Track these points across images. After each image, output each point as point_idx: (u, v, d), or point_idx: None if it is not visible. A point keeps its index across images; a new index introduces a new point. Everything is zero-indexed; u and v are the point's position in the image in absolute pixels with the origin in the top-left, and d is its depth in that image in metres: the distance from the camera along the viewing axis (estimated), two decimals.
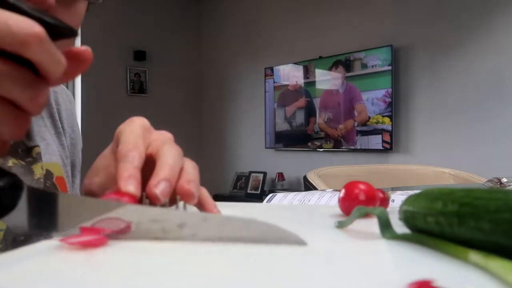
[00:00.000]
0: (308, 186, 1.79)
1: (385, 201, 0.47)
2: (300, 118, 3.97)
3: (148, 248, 0.30)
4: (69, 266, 0.26)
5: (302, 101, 3.94)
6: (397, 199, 0.61)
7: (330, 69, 3.69)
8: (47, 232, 0.32)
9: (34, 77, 0.28)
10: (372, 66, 3.38)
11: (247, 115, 4.49)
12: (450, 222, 0.28)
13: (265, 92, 4.23)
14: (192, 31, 4.92)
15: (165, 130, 0.43)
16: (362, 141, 3.46)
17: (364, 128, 3.45)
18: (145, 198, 0.34)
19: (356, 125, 3.51)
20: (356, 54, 3.48)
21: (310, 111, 3.88)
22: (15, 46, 0.25)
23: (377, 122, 3.35)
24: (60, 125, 0.60)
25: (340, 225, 0.37)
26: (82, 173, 0.56)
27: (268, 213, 0.51)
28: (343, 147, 3.61)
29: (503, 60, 2.77)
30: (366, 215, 0.38)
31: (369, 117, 3.40)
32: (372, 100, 3.38)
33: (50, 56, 0.27)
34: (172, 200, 0.36)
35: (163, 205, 0.34)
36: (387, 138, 3.28)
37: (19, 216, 0.31)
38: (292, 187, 4.00)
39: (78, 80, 4.19)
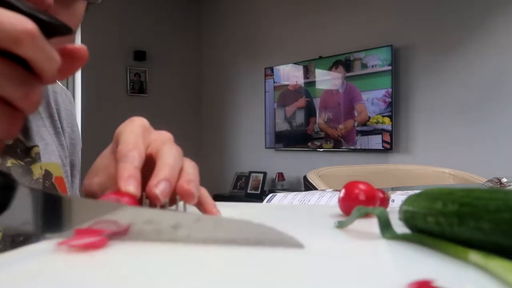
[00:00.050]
0: (308, 186, 1.79)
1: (385, 201, 0.47)
2: (300, 118, 3.97)
3: (146, 249, 0.29)
4: (69, 266, 0.26)
5: (302, 101, 3.94)
6: (397, 199, 0.61)
7: (330, 69, 3.69)
8: (42, 233, 0.32)
9: (28, 74, 0.27)
10: (372, 66, 3.38)
11: (247, 115, 4.49)
12: (450, 222, 0.28)
13: (265, 92, 4.23)
14: (192, 31, 4.92)
15: (165, 130, 0.43)
16: (362, 141, 3.46)
17: (364, 128, 3.45)
18: (145, 198, 0.34)
19: (356, 125, 3.51)
20: (356, 54, 3.48)
21: (310, 111, 3.88)
22: (7, 43, 0.25)
23: (377, 122, 3.35)
24: (59, 125, 0.60)
25: (340, 225, 0.37)
26: (82, 173, 0.56)
27: (268, 213, 0.51)
28: (343, 147, 3.61)
29: (503, 60, 2.77)
30: (366, 215, 0.38)
31: (369, 117, 3.40)
32: (372, 100, 3.38)
33: (43, 53, 0.27)
34: (172, 200, 0.36)
35: (163, 205, 0.34)
36: (387, 138, 3.28)
37: (13, 216, 0.30)
38: (292, 187, 4.00)
39: (78, 80, 4.19)
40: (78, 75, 4.17)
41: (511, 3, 2.75)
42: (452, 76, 3.00)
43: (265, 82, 4.22)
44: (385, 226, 0.33)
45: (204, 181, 0.39)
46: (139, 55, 4.52)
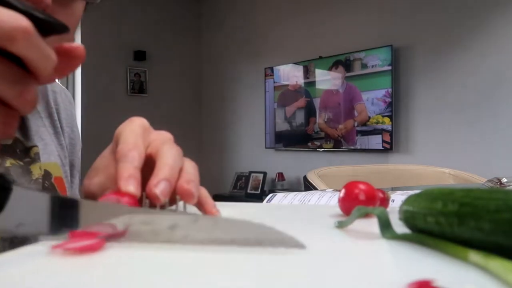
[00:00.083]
0: (308, 186, 1.79)
1: (385, 201, 0.47)
2: (300, 118, 3.97)
3: (143, 251, 0.29)
4: (63, 270, 0.25)
5: (302, 101, 3.94)
6: (397, 199, 0.61)
7: (330, 69, 3.70)
8: (36, 235, 0.31)
9: (22, 72, 0.27)
10: (372, 66, 3.38)
11: (247, 115, 4.49)
12: (450, 222, 0.28)
13: (265, 92, 4.23)
14: (192, 31, 4.92)
15: (165, 130, 0.43)
16: (362, 141, 3.46)
17: (364, 128, 3.45)
18: (145, 198, 0.34)
19: (356, 125, 3.51)
20: (356, 54, 3.48)
21: (310, 111, 3.88)
22: (1, 40, 0.25)
23: (377, 122, 3.35)
24: (59, 125, 0.60)
25: (340, 225, 0.37)
26: (82, 174, 0.56)
27: (268, 213, 0.51)
28: (343, 147, 3.61)
29: (503, 60, 2.77)
30: (366, 215, 0.38)
31: (369, 117, 3.40)
32: (372, 100, 3.38)
33: (39, 51, 0.26)
34: (172, 200, 0.36)
35: (163, 205, 0.34)
36: (387, 138, 3.28)
37: (7, 218, 0.29)
38: (292, 187, 4.00)
39: (78, 80, 4.19)
40: (78, 75, 4.18)
41: (511, 3, 2.75)
42: (452, 76, 3.00)
43: (265, 82, 4.23)
44: (385, 226, 0.33)
45: (204, 181, 0.39)
46: (139, 55, 4.52)
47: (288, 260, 0.27)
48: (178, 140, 0.42)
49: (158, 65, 4.65)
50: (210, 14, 4.89)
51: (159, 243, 0.30)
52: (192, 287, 0.22)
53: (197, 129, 4.91)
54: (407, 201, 0.33)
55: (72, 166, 0.62)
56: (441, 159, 2.93)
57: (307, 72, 3.89)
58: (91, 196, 0.41)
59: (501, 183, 1.00)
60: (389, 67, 3.25)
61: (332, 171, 2.06)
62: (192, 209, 0.39)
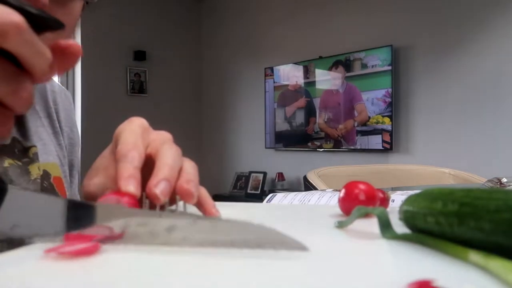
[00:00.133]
0: (308, 186, 1.79)
1: (385, 201, 0.47)
2: (300, 118, 3.96)
3: (140, 255, 0.29)
4: (60, 272, 0.25)
5: (302, 101, 3.94)
6: (397, 199, 0.61)
7: (330, 69, 3.69)
8: (31, 238, 0.30)
9: (16, 70, 0.26)
10: (372, 66, 3.38)
11: (247, 115, 4.49)
12: (450, 222, 0.28)
13: (265, 92, 4.23)
14: (192, 31, 4.92)
15: (165, 130, 0.43)
16: (362, 141, 3.46)
17: (364, 128, 3.45)
18: (145, 198, 0.34)
19: (356, 125, 3.50)
20: (356, 54, 3.47)
21: (310, 111, 3.88)
22: None
23: (377, 122, 3.35)
24: (58, 125, 0.60)
25: (340, 225, 0.37)
26: (82, 174, 0.55)
27: (268, 213, 0.51)
28: (343, 147, 3.61)
29: (503, 60, 2.77)
30: (366, 215, 0.38)
31: (369, 117, 3.40)
32: (372, 100, 3.38)
33: (32, 48, 0.25)
34: (172, 200, 0.36)
35: (163, 205, 0.34)
36: (387, 138, 3.28)
37: (1, 220, 0.28)
38: (292, 187, 4.00)
39: (78, 80, 4.19)
40: (78, 75, 4.17)
41: (511, 3, 2.75)
42: (452, 76, 3.00)
43: (265, 82, 4.22)
44: (385, 226, 0.33)
45: (204, 181, 0.39)
46: (139, 55, 4.52)
47: (288, 260, 0.27)
48: (178, 140, 0.42)
49: (158, 65, 4.65)
50: (210, 14, 4.89)
51: (156, 246, 0.29)
52: None
53: (197, 129, 4.91)
54: (407, 201, 0.33)
55: (71, 166, 0.62)
56: (441, 159, 2.93)
57: (307, 72, 3.88)
58: (91, 196, 0.41)
59: (501, 183, 0.99)
60: (389, 67, 3.25)
61: (332, 171, 2.06)
62: (192, 209, 0.39)
